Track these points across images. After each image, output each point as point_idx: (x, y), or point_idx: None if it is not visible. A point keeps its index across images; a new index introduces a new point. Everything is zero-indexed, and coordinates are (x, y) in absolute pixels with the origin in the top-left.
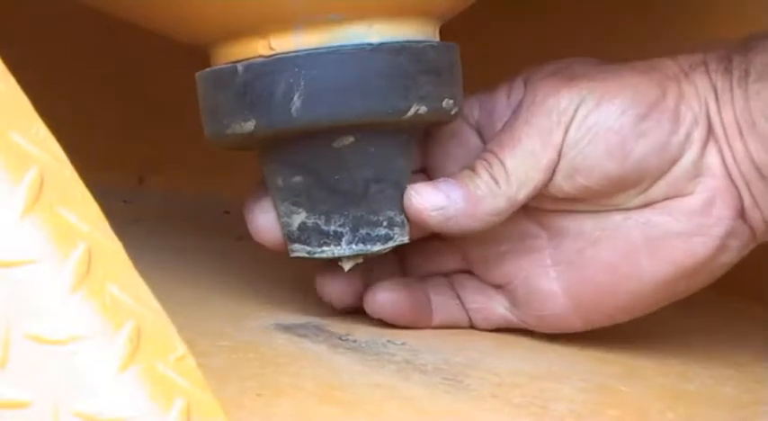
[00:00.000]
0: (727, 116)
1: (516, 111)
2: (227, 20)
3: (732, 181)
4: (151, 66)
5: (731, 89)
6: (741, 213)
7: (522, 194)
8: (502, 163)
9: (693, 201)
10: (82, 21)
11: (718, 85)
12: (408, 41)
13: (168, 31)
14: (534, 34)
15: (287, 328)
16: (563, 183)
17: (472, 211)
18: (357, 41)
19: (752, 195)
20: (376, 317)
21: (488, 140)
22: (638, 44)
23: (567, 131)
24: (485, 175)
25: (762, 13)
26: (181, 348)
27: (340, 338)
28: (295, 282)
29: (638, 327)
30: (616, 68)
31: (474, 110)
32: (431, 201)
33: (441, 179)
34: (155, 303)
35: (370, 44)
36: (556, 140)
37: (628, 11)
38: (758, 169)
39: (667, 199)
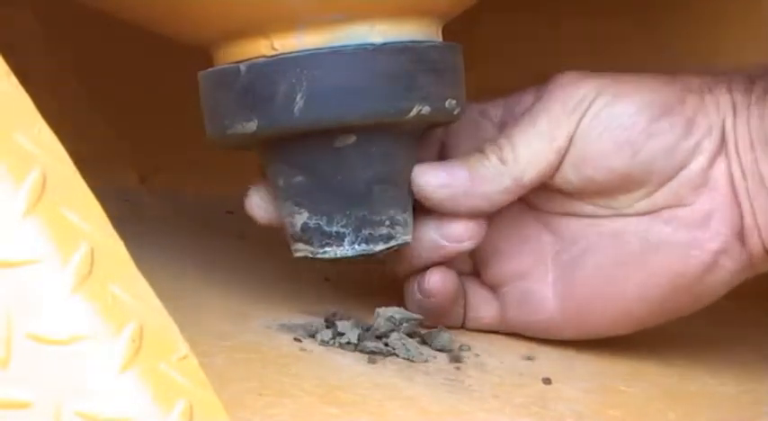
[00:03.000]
0: (742, 131)
1: (536, 101)
2: (229, 20)
3: (736, 197)
4: (153, 66)
5: (749, 106)
6: (740, 233)
7: (528, 176)
8: (511, 144)
9: (693, 211)
10: (84, 22)
11: (738, 101)
12: (411, 42)
13: (170, 31)
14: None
15: (289, 328)
16: (570, 173)
17: (477, 189)
18: (359, 42)
19: (754, 214)
20: (426, 297)
21: None
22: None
23: (580, 120)
24: (492, 157)
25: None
26: (183, 348)
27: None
28: (297, 282)
29: (645, 334)
30: (640, 77)
31: (498, 109)
32: (436, 178)
33: (448, 160)
34: (157, 303)
35: (373, 44)
36: (569, 128)
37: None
38: (764, 188)
39: (668, 207)
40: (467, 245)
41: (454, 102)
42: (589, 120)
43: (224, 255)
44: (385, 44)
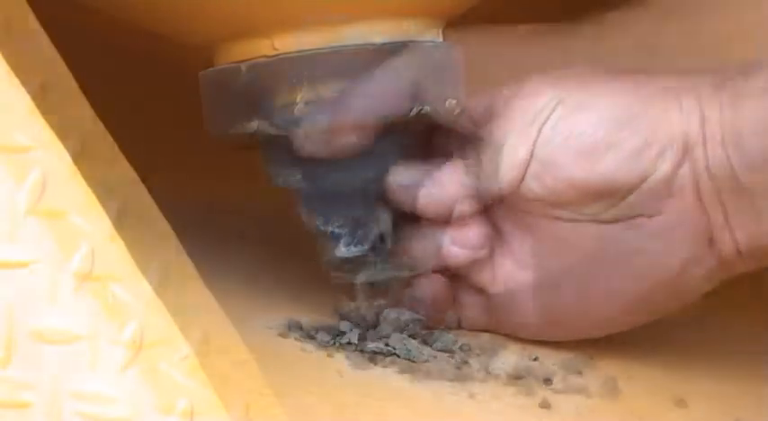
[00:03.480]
0: (711, 130)
1: (503, 107)
2: (230, 20)
3: (701, 202)
4: (153, 66)
5: (720, 105)
6: (709, 239)
7: (493, 189)
8: (477, 154)
9: (659, 221)
10: (83, 23)
11: (705, 102)
12: (411, 42)
13: (171, 31)
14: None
15: (291, 328)
16: (533, 184)
17: (441, 197)
18: (360, 41)
19: (725, 214)
20: (416, 304)
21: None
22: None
23: (540, 130)
24: (458, 164)
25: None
26: (185, 348)
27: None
28: (299, 282)
29: (641, 330)
30: (608, 78)
31: (480, 105)
32: (403, 179)
33: (419, 164)
34: (158, 303)
35: (373, 44)
36: (529, 139)
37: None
38: (737, 184)
39: (636, 217)
40: (482, 253)
41: (454, 102)
42: (549, 131)
43: (224, 256)
44: (385, 44)
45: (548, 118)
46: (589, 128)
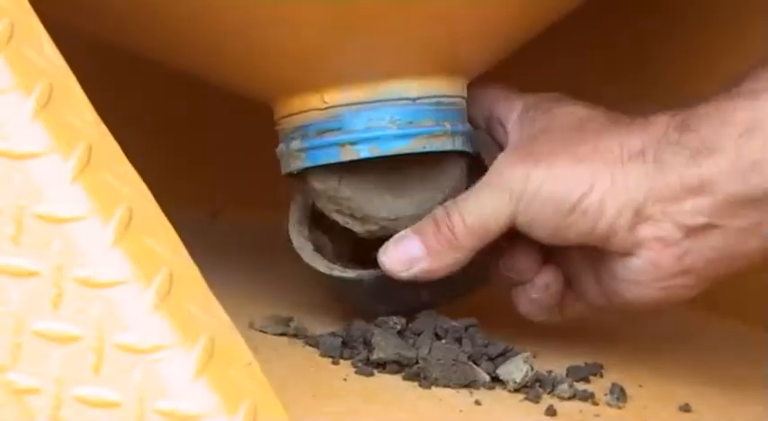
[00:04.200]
0: (660, 186)
1: (487, 173)
2: (286, 78)
3: (672, 244)
4: (222, 113)
5: (674, 155)
6: (685, 269)
7: (481, 244)
8: (461, 215)
9: (638, 262)
10: (152, 70)
11: (652, 169)
12: (441, 96)
13: (235, 88)
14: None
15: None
16: (525, 232)
17: (435, 265)
18: (397, 96)
19: (703, 252)
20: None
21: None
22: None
23: (518, 204)
24: (444, 229)
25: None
26: (248, 356)
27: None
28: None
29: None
30: (568, 145)
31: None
32: (398, 262)
33: (405, 234)
34: (226, 318)
35: (409, 98)
36: (510, 208)
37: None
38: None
39: (618, 256)
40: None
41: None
42: (525, 206)
43: (281, 279)
44: (419, 98)
45: (522, 194)
46: (549, 212)
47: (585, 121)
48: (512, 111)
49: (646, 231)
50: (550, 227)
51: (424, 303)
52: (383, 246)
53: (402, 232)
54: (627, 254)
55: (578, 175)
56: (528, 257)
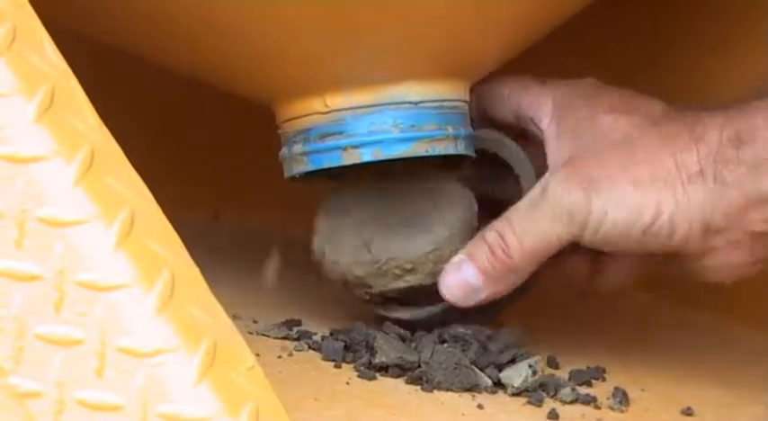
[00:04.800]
0: (732, 205)
1: (536, 192)
2: (288, 82)
3: (742, 246)
4: (225, 116)
5: (734, 183)
6: (756, 260)
7: (538, 264)
8: (516, 235)
9: (712, 261)
10: (154, 74)
11: (714, 189)
12: (444, 99)
13: (237, 91)
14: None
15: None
16: (592, 247)
17: (495, 291)
18: (399, 100)
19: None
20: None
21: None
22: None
23: (582, 228)
24: (499, 253)
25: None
26: (250, 360)
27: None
28: (343, 306)
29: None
30: (625, 166)
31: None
32: (459, 295)
33: (459, 261)
34: (228, 321)
35: (411, 102)
36: (571, 231)
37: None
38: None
39: (692, 256)
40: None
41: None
42: (590, 233)
43: (282, 281)
44: (421, 102)
45: (585, 223)
46: (621, 236)
47: (633, 137)
48: (542, 107)
49: (717, 240)
50: (621, 245)
51: (483, 312)
52: (441, 277)
53: (455, 259)
54: (701, 255)
55: (642, 201)
56: (582, 262)
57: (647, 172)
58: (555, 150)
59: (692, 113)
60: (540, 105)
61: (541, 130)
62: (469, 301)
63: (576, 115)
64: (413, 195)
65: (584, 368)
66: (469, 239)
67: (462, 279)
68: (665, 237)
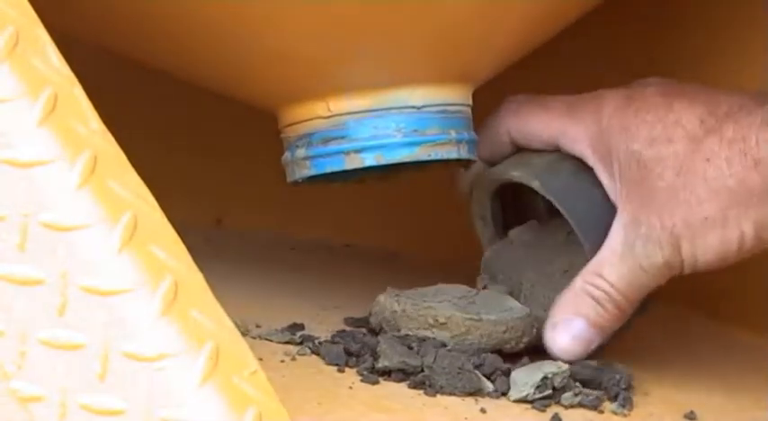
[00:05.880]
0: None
1: (617, 242)
2: (291, 87)
3: None
4: (225, 123)
5: None
6: None
7: (639, 296)
8: (622, 291)
9: None
10: (157, 79)
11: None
12: (446, 104)
13: (240, 96)
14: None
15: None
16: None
17: (604, 334)
18: (402, 104)
19: None
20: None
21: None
22: None
23: (676, 269)
24: (608, 306)
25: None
26: (253, 364)
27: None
28: (345, 311)
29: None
30: (692, 206)
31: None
32: (576, 351)
33: (566, 321)
34: (231, 325)
35: (414, 106)
36: (666, 270)
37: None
38: None
39: None
40: None
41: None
42: (687, 269)
43: (285, 286)
44: (424, 106)
45: (682, 263)
46: (712, 255)
47: (681, 170)
48: (577, 143)
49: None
50: (719, 265)
51: None
52: (549, 338)
53: (558, 319)
54: None
55: (723, 236)
56: None
57: (714, 209)
58: (613, 189)
59: (731, 121)
60: (574, 141)
61: (591, 164)
62: (585, 355)
63: (621, 148)
64: None
65: (586, 371)
66: None
67: (574, 335)
68: (759, 248)
